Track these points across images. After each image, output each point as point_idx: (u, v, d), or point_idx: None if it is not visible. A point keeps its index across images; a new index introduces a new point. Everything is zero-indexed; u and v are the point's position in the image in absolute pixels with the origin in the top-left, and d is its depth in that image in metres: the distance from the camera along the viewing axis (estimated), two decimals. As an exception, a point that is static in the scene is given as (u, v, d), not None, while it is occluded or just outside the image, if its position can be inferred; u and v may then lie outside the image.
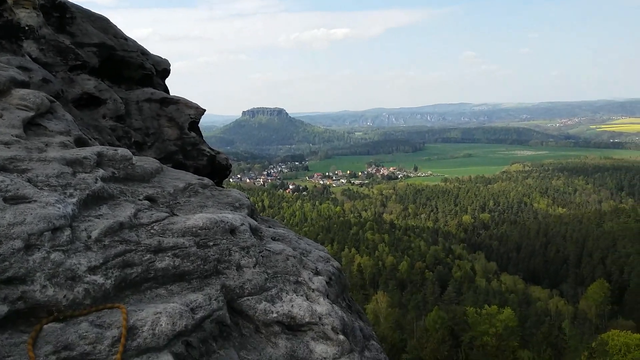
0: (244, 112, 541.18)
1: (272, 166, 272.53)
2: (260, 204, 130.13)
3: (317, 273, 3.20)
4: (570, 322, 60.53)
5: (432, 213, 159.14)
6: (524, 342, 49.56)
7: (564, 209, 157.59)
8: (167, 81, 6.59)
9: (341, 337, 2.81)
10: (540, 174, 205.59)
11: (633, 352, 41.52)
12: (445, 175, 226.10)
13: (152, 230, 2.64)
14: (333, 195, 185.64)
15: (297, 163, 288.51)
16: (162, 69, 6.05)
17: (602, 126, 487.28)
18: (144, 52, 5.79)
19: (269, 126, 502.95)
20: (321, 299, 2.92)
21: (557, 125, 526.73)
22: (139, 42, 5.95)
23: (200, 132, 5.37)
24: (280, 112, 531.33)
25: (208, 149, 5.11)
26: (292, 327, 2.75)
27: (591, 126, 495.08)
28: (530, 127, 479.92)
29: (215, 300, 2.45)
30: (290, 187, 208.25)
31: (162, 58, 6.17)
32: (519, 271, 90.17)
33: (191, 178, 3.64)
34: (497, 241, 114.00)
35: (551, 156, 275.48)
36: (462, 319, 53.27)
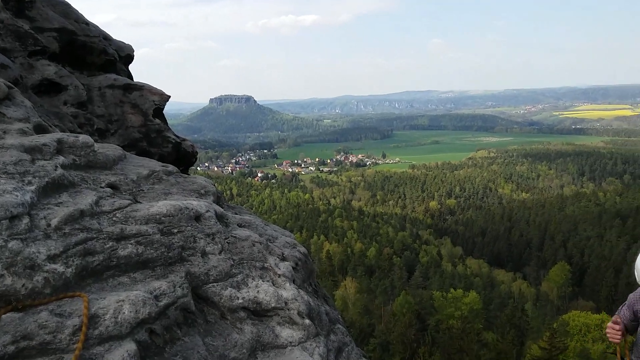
0: (211, 100, 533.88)
1: (240, 154, 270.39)
2: (228, 192, 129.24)
3: (283, 259, 3.21)
4: (532, 304, 62.34)
5: (400, 199, 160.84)
6: (489, 324, 50.83)
7: (528, 194, 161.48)
8: (132, 68, 6.46)
9: (307, 321, 2.83)
10: (505, 160, 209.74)
11: (593, 332, 43.06)
12: (413, 162, 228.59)
13: (114, 218, 2.60)
14: (302, 183, 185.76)
15: (265, 151, 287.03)
16: (125, 54, 5.92)
17: (565, 113, 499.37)
18: (106, 37, 5.65)
19: (237, 114, 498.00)
20: (287, 284, 2.93)
21: (522, 112, 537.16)
22: (103, 28, 5.79)
23: (165, 119, 5.29)
24: (248, 99, 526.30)
25: (173, 136, 5.03)
26: (258, 312, 2.75)
27: (554, 113, 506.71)
28: (495, 114, 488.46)
29: (179, 287, 2.43)
30: (259, 175, 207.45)
31: (125, 43, 6.03)
32: (484, 255, 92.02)
33: (155, 165, 3.59)
34: (462, 226, 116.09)
35: (516, 142, 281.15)
36: (428, 303, 54.26)
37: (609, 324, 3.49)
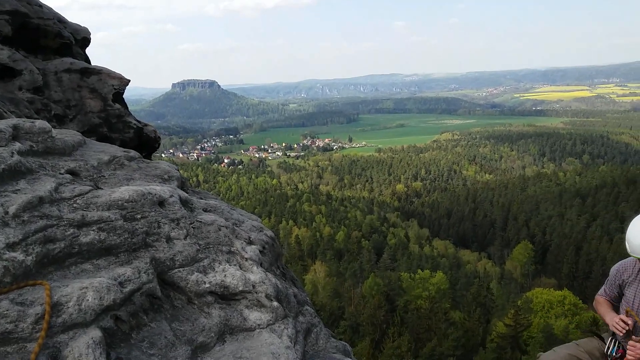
0: (173, 85, 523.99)
1: (205, 140, 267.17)
2: (194, 179, 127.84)
3: (250, 242, 3.20)
4: (497, 282, 63.97)
5: (367, 183, 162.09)
6: (455, 303, 51.97)
7: (491, 176, 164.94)
8: (91, 53, 6.28)
9: (275, 303, 2.84)
10: (469, 142, 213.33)
11: (555, 308, 44.52)
12: (379, 146, 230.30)
13: (74, 205, 2.54)
14: (269, 168, 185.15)
15: (231, 136, 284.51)
16: (81, 37, 5.74)
17: (525, 94, 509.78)
18: (61, 20, 5.47)
19: (201, 99, 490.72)
20: (255, 268, 2.93)
21: (484, 94, 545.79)
22: (58, 11, 5.60)
23: (125, 103, 5.17)
24: (212, 84, 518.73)
25: (135, 121, 4.93)
26: (226, 296, 2.75)
27: (515, 95, 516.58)
28: (458, 97, 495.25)
29: (144, 273, 2.40)
30: (226, 161, 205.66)
31: (81, 26, 5.85)
32: (450, 236, 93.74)
33: (116, 150, 3.51)
34: (429, 208, 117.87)
35: (478, 124, 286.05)
36: (397, 284, 55.12)
37: (621, 317, 3.37)
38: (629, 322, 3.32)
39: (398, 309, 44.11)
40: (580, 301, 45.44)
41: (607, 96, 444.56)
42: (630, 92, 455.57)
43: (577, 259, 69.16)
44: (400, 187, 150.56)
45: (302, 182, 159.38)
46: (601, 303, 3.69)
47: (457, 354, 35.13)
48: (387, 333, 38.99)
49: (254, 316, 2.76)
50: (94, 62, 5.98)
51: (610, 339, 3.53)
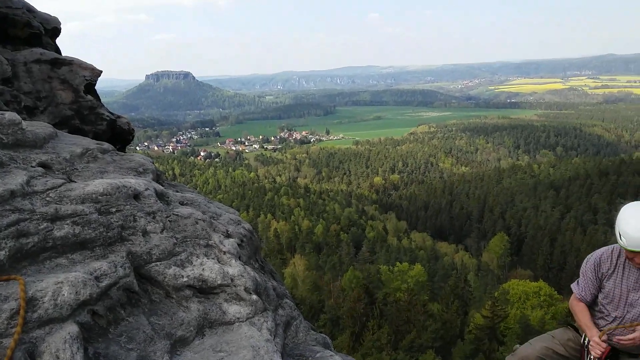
0: (147, 76, 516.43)
1: (181, 133, 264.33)
2: (170, 172, 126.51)
3: (228, 235, 3.18)
4: (474, 274, 64.76)
5: (345, 176, 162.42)
6: (434, 295, 52.49)
7: (467, 168, 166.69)
8: (61, 43, 6.13)
9: (254, 297, 2.83)
10: (445, 134, 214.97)
11: (531, 299, 45.28)
12: (357, 138, 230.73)
13: (47, 198, 2.48)
14: (246, 161, 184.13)
15: (207, 129, 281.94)
16: (51, 27, 5.60)
17: (500, 87, 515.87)
18: (30, 9, 5.33)
19: (176, 90, 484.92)
20: (233, 261, 2.91)
21: (459, 86, 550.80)
22: (27, 0, 5.45)
23: (97, 95, 5.07)
24: (187, 75, 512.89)
25: (107, 113, 4.84)
26: (204, 290, 2.72)
27: (490, 87, 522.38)
28: (434, 89, 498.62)
29: (121, 267, 2.37)
30: (202, 154, 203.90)
31: (51, 16, 5.71)
32: (427, 228, 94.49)
33: (89, 143, 3.44)
34: (406, 201, 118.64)
35: (454, 117, 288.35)
36: (376, 277, 55.48)
37: (597, 340, 3.37)
38: (604, 344, 3.35)
39: (377, 302, 44.41)
40: (556, 292, 46.30)
41: (579, 89, 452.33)
42: (602, 85, 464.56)
43: (552, 250, 70.38)
44: (378, 179, 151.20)
45: (280, 175, 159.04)
46: (580, 310, 3.61)
47: (435, 346, 35.55)
48: (367, 326, 39.28)
49: (233, 310, 2.74)
50: (66, 53, 5.84)
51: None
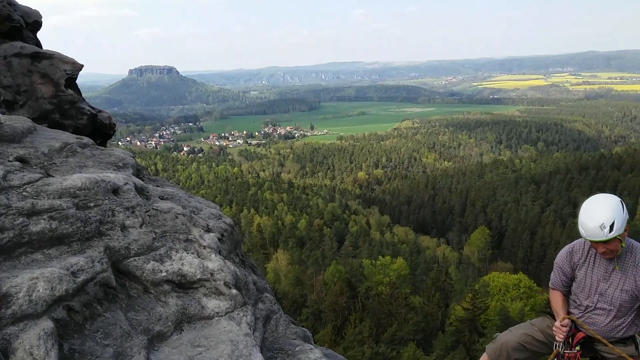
0: (131, 71, 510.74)
1: (164, 128, 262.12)
2: (153, 167, 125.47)
3: (208, 230, 3.17)
4: (456, 267, 65.32)
5: (328, 171, 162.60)
6: (415, 288, 52.88)
7: (450, 163, 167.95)
8: (43, 37, 6.02)
9: (234, 291, 2.83)
10: (428, 130, 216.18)
11: (511, 292, 45.86)
12: (341, 134, 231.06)
13: (24, 193, 2.45)
14: (230, 157, 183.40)
15: (191, 124, 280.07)
16: (32, 21, 5.51)
17: (483, 83, 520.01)
18: (10, 2, 5.24)
19: (160, 85, 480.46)
20: (213, 256, 2.90)
21: (443, 82, 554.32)
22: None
23: (78, 89, 5.00)
24: (170, 70, 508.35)
25: (88, 107, 4.79)
26: (183, 285, 2.72)
27: (473, 83, 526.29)
28: (418, 85, 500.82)
29: (98, 262, 2.35)
30: (185, 149, 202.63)
31: (32, 9, 5.61)
32: (410, 223, 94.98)
33: (68, 137, 3.40)
34: (389, 195, 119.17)
35: (438, 112, 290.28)
36: (358, 271, 55.70)
37: (557, 324, 3.55)
38: (564, 329, 3.53)
39: (359, 295, 44.61)
40: (535, 284, 46.93)
41: (561, 85, 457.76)
42: (583, 81, 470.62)
43: (532, 244, 71.30)
44: (361, 174, 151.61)
45: (264, 170, 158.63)
46: (554, 297, 3.78)
47: (417, 338, 35.83)
48: (349, 319, 39.45)
49: (213, 304, 2.74)
50: (48, 47, 5.74)
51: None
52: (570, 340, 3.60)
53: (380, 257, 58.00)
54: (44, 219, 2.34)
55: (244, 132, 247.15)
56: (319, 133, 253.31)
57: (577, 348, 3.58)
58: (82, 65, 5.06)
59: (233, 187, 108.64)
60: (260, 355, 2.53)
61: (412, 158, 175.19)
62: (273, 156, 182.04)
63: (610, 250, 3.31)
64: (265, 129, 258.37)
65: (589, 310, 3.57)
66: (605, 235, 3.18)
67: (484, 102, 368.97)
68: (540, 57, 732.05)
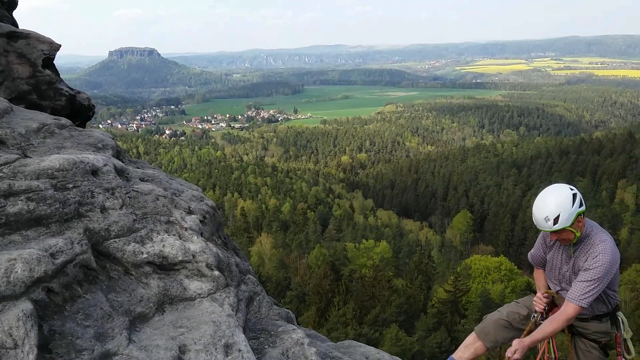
0: (111, 52, 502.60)
1: (145, 110, 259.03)
2: (134, 150, 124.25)
3: (190, 212, 3.15)
4: (438, 250, 66.11)
5: (312, 155, 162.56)
6: (398, 271, 53.44)
7: (433, 147, 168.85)
8: (21, 17, 5.88)
9: (216, 272, 2.82)
10: (412, 114, 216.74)
11: (492, 274, 46.60)
12: (324, 117, 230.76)
13: (0, 174, 2.41)
14: (213, 140, 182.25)
15: (173, 107, 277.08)
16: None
17: (466, 67, 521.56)
18: (-17, -20, 5.10)
19: (141, 68, 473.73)
20: (195, 237, 2.89)
21: (426, 67, 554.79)
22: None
23: (56, 69, 4.90)
24: (151, 52, 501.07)
25: (66, 88, 4.70)
26: (165, 266, 2.70)
27: (456, 67, 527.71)
28: (402, 69, 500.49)
29: (77, 244, 2.32)
30: (167, 132, 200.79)
31: (6, -13, 5.47)
32: (393, 206, 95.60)
33: (46, 118, 3.34)
34: (373, 179, 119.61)
35: (421, 97, 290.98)
36: (342, 254, 56.08)
37: (539, 295, 3.78)
38: (545, 300, 3.76)
39: (343, 278, 44.95)
40: (516, 267, 47.75)
41: (543, 70, 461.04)
42: (564, 66, 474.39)
43: (513, 227, 72.29)
44: (345, 158, 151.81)
45: (247, 154, 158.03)
46: (536, 274, 4.03)
47: (399, 320, 36.30)
48: (333, 302, 39.81)
49: (195, 286, 2.73)
50: (23, 26, 5.60)
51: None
52: (548, 315, 3.75)
53: (363, 241, 58.43)
54: (21, 200, 2.30)
55: (227, 115, 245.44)
56: (303, 117, 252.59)
57: None
58: (60, 45, 4.96)
59: (216, 170, 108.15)
60: (243, 335, 2.54)
61: (396, 142, 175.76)
62: (256, 140, 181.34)
63: (563, 239, 3.47)
64: (249, 113, 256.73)
65: (557, 289, 3.76)
66: (550, 227, 3.34)
67: (467, 86, 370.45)
68: (523, 42, 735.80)
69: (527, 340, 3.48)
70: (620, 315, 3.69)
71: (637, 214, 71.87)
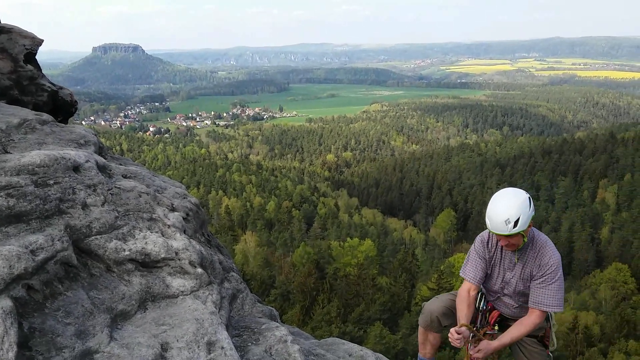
0: (94, 48, 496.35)
1: (129, 107, 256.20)
2: (118, 147, 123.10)
3: (173, 209, 3.14)
4: (422, 248, 66.46)
5: (297, 153, 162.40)
6: (383, 269, 53.61)
7: (417, 146, 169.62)
8: (1, 12, 5.80)
9: (199, 270, 2.82)
10: (397, 113, 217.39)
11: (475, 273, 46.90)
12: (310, 116, 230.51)
13: (-20, 170, 2.38)
14: (197, 137, 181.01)
15: (157, 104, 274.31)
16: (-13, -7, 5.30)
17: (451, 67, 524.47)
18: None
19: (125, 64, 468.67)
20: (177, 235, 2.88)
21: (412, 66, 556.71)
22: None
23: (38, 65, 4.84)
24: (136, 48, 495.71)
25: (49, 84, 4.65)
26: (147, 263, 2.69)
27: (441, 67, 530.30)
28: (388, 68, 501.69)
29: (58, 240, 2.30)
30: (151, 129, 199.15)
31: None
32: (378, 205, 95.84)
33: (27, 114, 3.30)
34: (358, 178, 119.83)
35: (406, 96, 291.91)
36: (327, 252, 56.10)
37: (451, 333, 3.45)
38: (458, 337, 3.41)
39: (328, 276, 45.02)
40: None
41: (527, 70, 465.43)
42: (548, 67, 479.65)
43: (496, 226, 72.80)
44: (330, 157, 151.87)
45: (232, 152, 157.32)
46: (462, 295, 3.68)
47: (383, 318, 36.43)
48: (317, 300, 39.81)
49: (177, 283, 2.72)
50: (6, 21, 5.51)
51: (480, 294, 3.82)
52: (487, 316, 3.79)
53: (348, 239, 58.48)
54: (1, 196, 2.28)
55: (212, 112, 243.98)
56: (288, 115, 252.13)
57: (496, 328, 3.76)
58: (42, 40, 4.90)
59: (201, 168, 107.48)
60: (226, 333, 2.54)
61: (381, 141, 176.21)
62: (241, 137, 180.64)
63: (512, 244, 3.43)
64: (234, 110, 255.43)
65: (498, 294, 3.74)
66: (509, 230, 3.28)
67: (452, 86, 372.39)
68: (507, 42, 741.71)
69: (494, 343, 3.49)
70: None
71: (618, 213, 72.95)
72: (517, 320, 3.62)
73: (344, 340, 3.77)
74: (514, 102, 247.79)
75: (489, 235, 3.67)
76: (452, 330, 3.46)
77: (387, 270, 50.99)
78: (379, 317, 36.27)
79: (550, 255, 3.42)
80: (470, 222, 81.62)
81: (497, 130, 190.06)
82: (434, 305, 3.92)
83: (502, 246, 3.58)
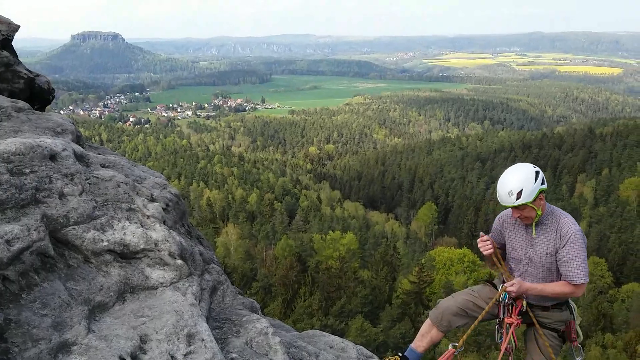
0: (73, 36, 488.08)
1: (109, 97, 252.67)
2: (97, 138, 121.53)
3: (152, 200, 3.09)
4: (403, 242, 66.81)
5: (280, 145, 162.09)
6: (364, 262, 53.82)
7: (400, 139, 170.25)
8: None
9: (179, 261, 2.78)
10: (379, 106, 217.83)
11: (455, 266, 47.43)
12: (293, 107, 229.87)
13: (-48, 158, 2.31)
14: (178, 128, 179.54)
15: (137, 94, 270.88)
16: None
17: (434, 60, 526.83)
18: None
19: (104, 52, 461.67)
20: (157, 225, 2.84)
21: (395, 59, 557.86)
22: None
23: (15, 51, 4.72)
24: (115, 37, 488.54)
25: (25, 71, 4.53)
26: (126, 255, 2.65)
27: (424, 60, 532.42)
28: (370, 60, 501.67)
29: (34, 230, 2.24)
30: (131, 119, 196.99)
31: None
32: (360, 198, 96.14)
33: (2, 101, 3.22)
34: (340, 171, 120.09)
35: (389, 89, 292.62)
36: (309, 245, 56.13)
37: (478, 240, 3.77)
38: (485, 237, 3.76)
39: (309, 269, 45.09)
40: (478, 259, 48.64)
41: (508, 64, 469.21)
42: (529, 61, 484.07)
43: (476, 219, 73.60)
44: (313, 149, 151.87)
45: (214, 143, 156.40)
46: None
47: (365, 311, 36.68)
48: (299, 293, 39.94)
49: (157, 274, 2.69)
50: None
51: (501, 286, 3.85)
52: (510, 309, 3.77)
53: (330, 232, 58.56)
54: (-26, 185, 2.22)
55: (193, 103, 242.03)
56: (271, 106, 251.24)
57: (519, 317, 3.75)
58: (19, 26, 4.78)
59: (182, 159, 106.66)
60: (206, 325, 2.51)
61: (363, 134, 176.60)
62: (223, 129, 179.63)
63: (524, 217, 3.54)
64: (215, 101, 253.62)
65: (521, 276, 3.76)
66: (513, 201, 3.42)
67: (434, 79, 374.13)
68: (489, 36, 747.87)
69: (526, 284, 3.58)
70: (571, 302, 3.81)
71: (596, 207, 74.18)
72: (542, 307, 3.73)
73: (325, 333, 3.77)
74: (495, 96, 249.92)
75: (505, 214, 3.87)
76: (478, 240, 3.78)
77: (369, 263, 51.22)
78: (360, 310, 36.51)
79: (570, 225, 3.51)
80: (451, 215, 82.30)
81: (478, 124, 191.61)
82: (449, 304, 3.97)
83: (518, 224, 3.72)
